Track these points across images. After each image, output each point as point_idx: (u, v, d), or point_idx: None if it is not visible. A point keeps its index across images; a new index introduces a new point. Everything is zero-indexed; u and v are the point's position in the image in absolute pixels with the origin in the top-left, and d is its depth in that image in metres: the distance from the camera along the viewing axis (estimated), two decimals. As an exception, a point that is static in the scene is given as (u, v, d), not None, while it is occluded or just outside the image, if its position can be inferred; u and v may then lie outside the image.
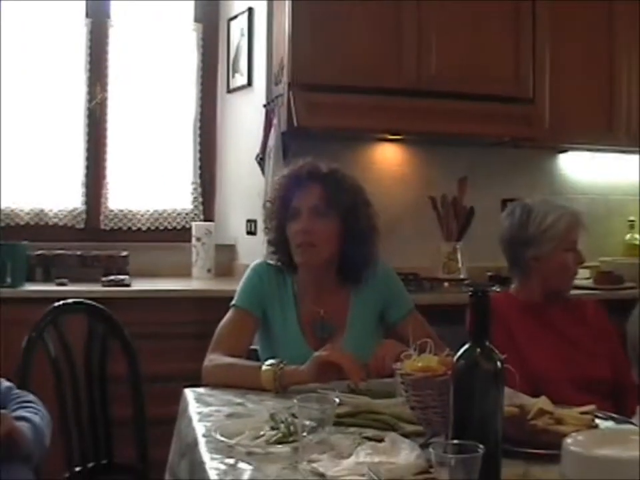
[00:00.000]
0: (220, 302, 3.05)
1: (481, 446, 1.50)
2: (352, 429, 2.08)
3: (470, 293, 1.67)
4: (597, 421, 2.13)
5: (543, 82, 4.72)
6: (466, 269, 4.73)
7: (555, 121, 4.73)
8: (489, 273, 4.61)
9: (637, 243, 5.26)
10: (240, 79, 4.91)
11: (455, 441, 1.56)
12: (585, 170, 5.27)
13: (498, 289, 3.94)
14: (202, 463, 1.90)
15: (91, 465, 2.91)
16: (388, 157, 4.88)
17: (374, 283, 2.93)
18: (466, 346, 1.67)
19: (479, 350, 1.65)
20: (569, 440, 1.76)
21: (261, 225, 3.45)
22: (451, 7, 4.48)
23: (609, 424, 2.18)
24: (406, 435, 1.94)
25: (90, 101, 4.88)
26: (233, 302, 2.88)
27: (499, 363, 1.65)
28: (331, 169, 2.89)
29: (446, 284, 4.58)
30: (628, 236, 5.28)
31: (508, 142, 4.81)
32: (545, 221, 3.09)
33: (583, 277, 4.50)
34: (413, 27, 4.42)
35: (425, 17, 4.44)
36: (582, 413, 2.12)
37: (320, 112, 4.20)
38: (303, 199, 2.84)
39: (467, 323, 1.69)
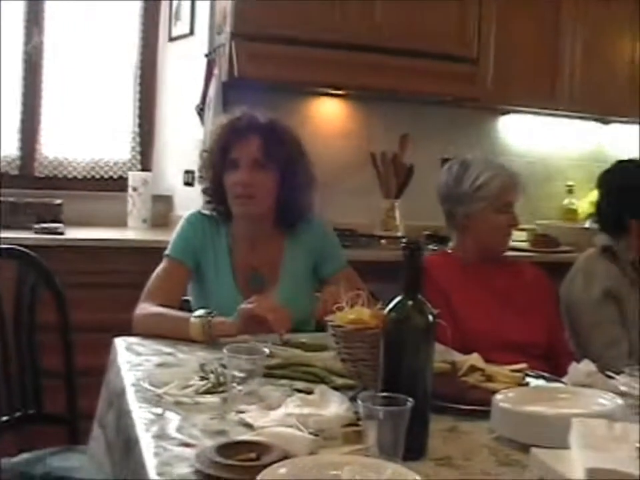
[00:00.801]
0: (155, 252, 3.00)
1: (410, 399, 1.49)
2: (282, 381, 2.08)
3: (403, 247, 1.65)
4: (528, 379, 2.16)
5: (487, 42, 4.71)
6: (404, 227, 4.74)
7: (498, 82, 4.74)
8: (427, 232, 4.61)
9: (575, 207, 5.30)
10: (182, 27, 4.82)
11: (384, 394, 1.54)
12: (526, 133, 5.31)
13: (435, 248, 3.96)
14: (129, 412, 1.88)
15: (18, 414, 2.87)
16: (329, 111, 4.85)
17: (308, 236, 2.92)
18: (397, 299, 1.65)
19: (410, 303, 1.63)
20: (498, 396, 1.78)
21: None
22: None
23: (540, 382, 2.19)
24: (336, 388, 1.93)
25: (26, 44, 4.76)
26: (166, 252, 2.85)
27: (430, 317, 1.63)
28: (270, 119, 2.87)
29: (383, 241, 4.56)
30: (566, 200, 5.32)
31: (450, 101, 4.81)
32: (479, 180, 3.06)
33: (519, 239, 4.53)
34: (359, -20, 4.37)
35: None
36: (513, 371, 2.14)
37: (261, 63, 4.14)
38: (242, 151, 2.81)
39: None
